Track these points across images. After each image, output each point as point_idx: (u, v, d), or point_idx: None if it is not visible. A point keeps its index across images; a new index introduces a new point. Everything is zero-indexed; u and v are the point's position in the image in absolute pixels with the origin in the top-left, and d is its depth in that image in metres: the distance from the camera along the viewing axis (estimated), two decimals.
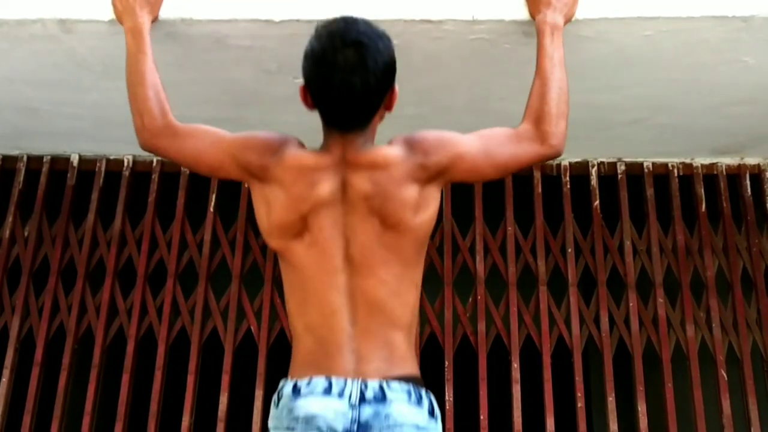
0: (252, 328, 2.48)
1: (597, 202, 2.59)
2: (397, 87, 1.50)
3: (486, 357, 2.42)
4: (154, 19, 1.81)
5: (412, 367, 1.45)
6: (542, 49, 1.63)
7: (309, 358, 1.44)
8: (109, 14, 1.83)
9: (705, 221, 2.56)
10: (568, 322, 2.46)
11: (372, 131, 1.52)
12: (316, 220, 1.46)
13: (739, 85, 2.08)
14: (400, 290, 1.46)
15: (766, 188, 2.58)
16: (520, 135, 1.54)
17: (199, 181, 2.67)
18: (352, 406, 1.35)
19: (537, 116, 1.55)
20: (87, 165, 2.67)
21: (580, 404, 2.37)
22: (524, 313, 2.47)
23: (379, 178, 1.45)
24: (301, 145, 1.54)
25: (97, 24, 1.86)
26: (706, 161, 2.62)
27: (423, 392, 1.42)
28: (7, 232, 2.60)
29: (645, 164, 2.62)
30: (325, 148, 1.50)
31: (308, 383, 1.39)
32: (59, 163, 2.68)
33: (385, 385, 1.38)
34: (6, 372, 2.44)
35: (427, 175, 1.48)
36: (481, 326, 2.45)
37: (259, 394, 2.39)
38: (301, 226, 1.47)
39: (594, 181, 2.61)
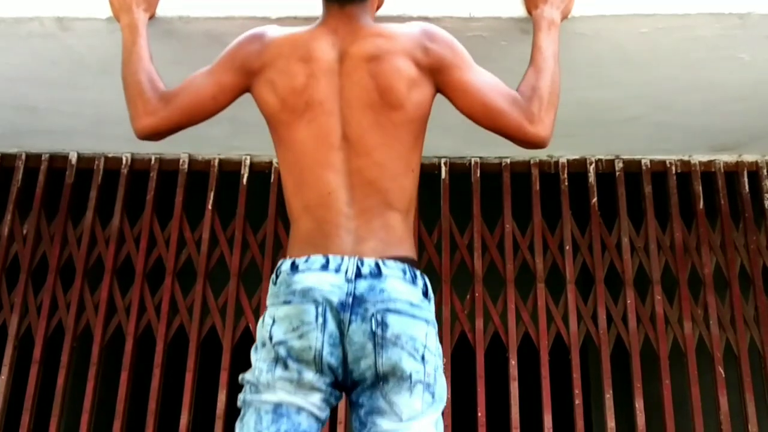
0: (250, 325, 2.48)
1: (595, 200, 2.59)
2: None
3: (484, 354, 2.43)
4: (152, 17, 1.82)
5: (408, 250, 1.46)
6: (536, 44, 1.63)
7: (307, 238, 1.45)
8: (106, 12, 1.84)
9: (703, 218, 2.56)
10: (565, 320, 2.46)
11: (372, 9, 1.55)
12: (316, 90, 1.46)
13: (735, 82, 2.09)
14: (397, 173, 1.47)
15: (764, 185, 2.58)
16: (516, 100, 1.52)
17: (197, 179, 2.67)
18: (348, 280, 1.36)
19: (528, 99, 1.53)
20: (85, 163, 2.68)
21: (578, 401, 2.38)
22: (522, 310, 2.47)
23: (380, 43, 1.47)
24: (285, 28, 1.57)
25: (94, 22, 1.87)
26: (704, 158, 2.62)
27: (418, 273, 1.43)
28: (6, 230, 2.61)
29: (643, 161, 2.62)
30: (320, 23, 1.53)
31: (306, 260, 1.40)
32: (58, 161, 2.68)
33: (381, 263, 1.39)
34: (5, 370, 2.45)
35: (426, 62, 1.48)
36: (479, 323, 2.45)
37: None
38: (305, 96, 1.47)
39: (592, 178, 2.61)
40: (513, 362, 2.42)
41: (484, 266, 2.53)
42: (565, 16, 1.74)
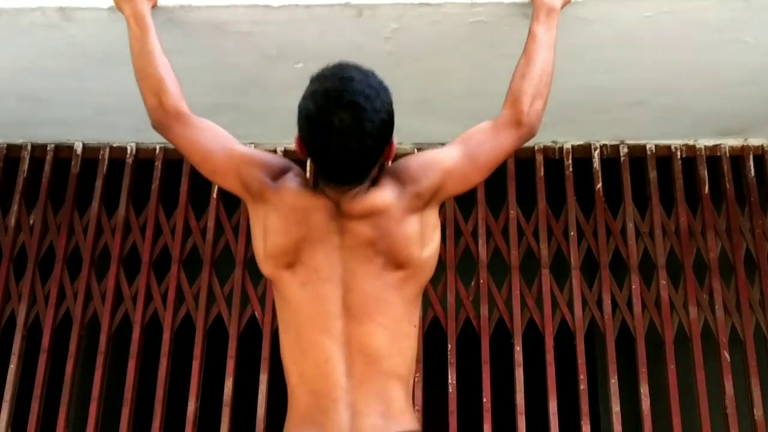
0: (256, 313, 2.49)
1: (599, 185, 2.59)
2: (395, 142, 1.45)
3: (489, 340, 2.43)
4: (154, 6, 1.81)
5: (410, 422, 1.40)
6: (532, 31, 1.63)
7: (304, 414, 1.40)
8: (108, 1, 1.83)
9: (708, 203, 2.55)
10: (570, 305, 2.46)
11: (371, 179, 1.46)
12: (311, 256, 1.42)
13: (740, 66, 2.07)
14: (399, 335, 1.42)
15: None
16: (498, 125, 1.54)
17: None
18: None
19: (514, 96, 1.55)
20: (91, 153, 2.68)
21: (583, 387, 2.38)
22: (527, 296, 2.47)
23: (380, 222, 1.42)
24: (302, 174, 1.51)
25: (97, 11, 1.87)
26: (709, 143, 2.61)
27: None
28: (13, 221, 2.62)
29: (648, 146, 2.61)
30: (322, 190, 1.45)
31: None
32: (63, 151, 2.69)
33: None
34: (14, 359, 2.47)
35: (423, 202, 1.46)
36: (484, 310, 2.46)
37: (263, 378, 2.41)
38: (294, 256, 1.43)
39: (596, 163, 2.61)
40: (518, 348, 2.42)
41: (489, 252, 2.53)
42: (567, 2, 1.73)
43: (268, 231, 1.46)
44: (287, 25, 1.88)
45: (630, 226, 2.54)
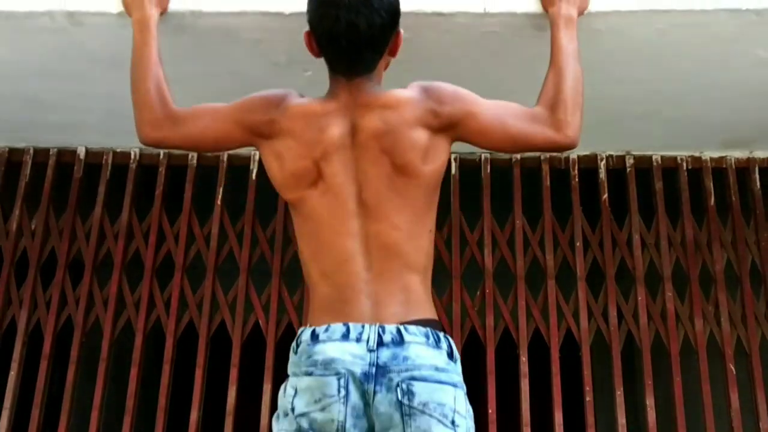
0: (260, 321, 2.48)
1: (605, 196, 2.58)
2: (402, 32, 1.50)
3: (494, 351, 2.42)
4: (163, 12, 1.81)
5: (429, 311, 1.45)
6: (556, 42, 1.63)
7: (326, 305, 1.44)
8: (117, 6, 1.83)
9: (714, 215, 2.55)
10: (576, 316, 2.45)
11: (378, 77, 1.53)
12: (328, 165, 1.46)
13: (751, 79, 2.08)
14: (413, 234, 1.47)
15: None
16: (536, 116, 1.54)
17: (206, 174, 2.66)
18: (370, 350, 1.36)
19: (552, 104, 1.54)
20: (94, 158, 2.66)
21: (589, 398, 2.37)
22: (532, 306, 2.46)
23: (390, 117, 1.46)
24: (302, 96, 1.55)
25: (105, 17, 1.86)
26: (715, 155, 2.61)
27: (441, 335, 1.42)
28: (14, 225, 2.59)
29: (654, 157, 2.61)
30: (331, 95, 1.52)
31: (326, 329, 1.39)
32: (66, 155, 2.67)
33: (402, 329, 1.38)
34: (14, 365, 2.44)
35: (438, 123, 1.48)
36: (490, 320, 2.44)
37: (267, 387, 2.39)
38: (315, 174, 1.47)
39: (603, 174, 2.60)
40: (523, 359, 2.41)
41: (495, 262, 2.52)
42: (581, 13, 1.73)
43: (286, 158, 1.49)
44: (297, 33, 1.84)
45: (636, 238, 2.53)
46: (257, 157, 2.62)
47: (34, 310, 2.52)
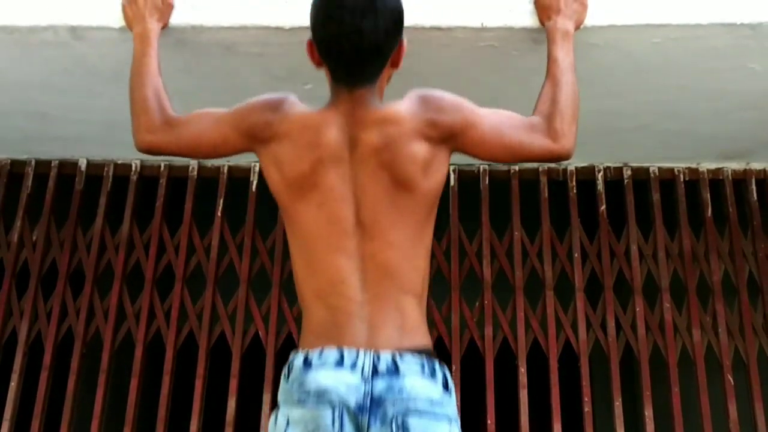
0: (260, 332, 2.48)
1: (603, 207, 2.60)
2: (405, 42, 1.49)
3: (493, 362, 2.43)
4: (164, 26, 1.83)
5: (424, 337, 1.43)
6: (553, 55, 1.64)
7: (320, 328, 1.41)
8: (119, 21, 1.85)
9: (711, 226, 2.56)
10: (575, 327, 2.46)
11: (380, 89, 1.51)
12: (326, 176, 1.44)
13: (746, 92, 2.09)
14: (411, 255, 1.44)
15: None
16: (534, 126, 1.54)
17: (207, 186, 2.68)
18: (364, 380, 1.32)
19: (549, 114, 1.54)
20: (95, 170, 2.68)
21: (587, 409, 2.38)
22: (531, 317, 2.47)
23: (390, 131, 1.44)
24: (301, 103, 1.53)
25: (108, 31, 1.88)
26: (712, 166, 2.62)
27: (436, 365, 1.39)
28: (16, 237, 2.61)
29: (651, 169, 2.62)
30: (331, 105, 1.49)
31: (319, 355, 1.36)
32: (67, 167, 2.69)
33: (397, 358, 1.35)
34: (15, 376, 2.45)
35: (438, 134, 1.46)
36: (488, 331, 2.45)
37: (267, 398, 2.39)
38: (312, 181, 1.44)
39: (600, 185, 2.61)
40: (522, 370, 2.42)
41: (493, 274, 2.53)
42: (577, 27, 1.75)
43: (284, 162, 1.47)
44: (298, 47, 1.86)
45: (633, 249, 2.55)
46: (257, 169, 2.64)
47: (35, 321, 2.53)
